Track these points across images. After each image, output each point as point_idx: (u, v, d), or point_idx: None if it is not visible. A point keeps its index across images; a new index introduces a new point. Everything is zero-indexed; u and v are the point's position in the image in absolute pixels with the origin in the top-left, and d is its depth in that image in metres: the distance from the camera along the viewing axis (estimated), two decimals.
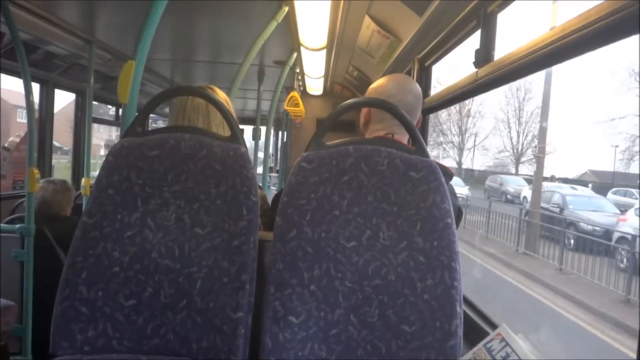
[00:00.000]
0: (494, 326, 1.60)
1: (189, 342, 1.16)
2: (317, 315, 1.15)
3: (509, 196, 19.62)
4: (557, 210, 12.83)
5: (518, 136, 25.47)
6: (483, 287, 8.69)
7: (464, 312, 1.21)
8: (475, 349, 1.05)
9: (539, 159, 14.07)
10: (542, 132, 14.53)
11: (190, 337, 1.15)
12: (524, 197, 17.63)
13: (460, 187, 18.08)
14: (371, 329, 1.14)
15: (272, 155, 9.14)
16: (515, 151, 25.54)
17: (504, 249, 11.79)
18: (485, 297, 7.26)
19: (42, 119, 4.27)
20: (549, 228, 11.59)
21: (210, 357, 1.14)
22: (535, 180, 13.98)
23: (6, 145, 4.46)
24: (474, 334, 1.48)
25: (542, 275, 9.46)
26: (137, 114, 1.31)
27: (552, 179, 19.28)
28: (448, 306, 1.12)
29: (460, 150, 26.75)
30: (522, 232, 12.12)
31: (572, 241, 10.43)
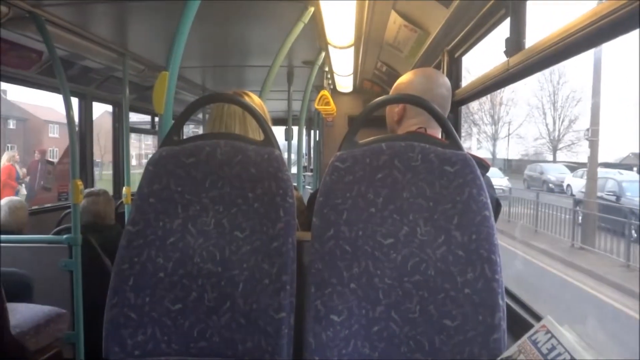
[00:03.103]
0: (537, 318, 1.58)
1: (234, 343, 1.18)
2: (359, 313, 1.15)
3: (550, 185, 18.46)
4: (613, 198, 11.44)
5: (554, 122, 24.68)
6: (541, 290, 7.63)
7: (507, 304, 1.20)
8: (519, 341, 1.03)
9: (593, 143, 12.46)
10: (595, 113, 12.71)
11: (235, 339, 1.18)
12: (568, 185, 16.60)
13: (499, 179, 17.10)
14: (413, 324, 1.14)
15: (306, 155, 9.18)
16: (552, 138, 24.77)
17: (558, 244, 10.50)
18: (547, 303, 6.36)
19: (82, 131, 4.41)
20: (606, 219, 10.14)
21: (255, 357, 1.16)
22: (590, 167, 12.50)
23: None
24: (518, 326, 1.46)
25: (607, 274, 8.06)
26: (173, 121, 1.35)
27: None
28: (490, 299, 1.11)
29: (494, 140, 26.13)
30: (576, 224, 10.76)
31: (633, 232, 8.99)
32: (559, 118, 24.42)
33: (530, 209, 12.68)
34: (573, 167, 18.83)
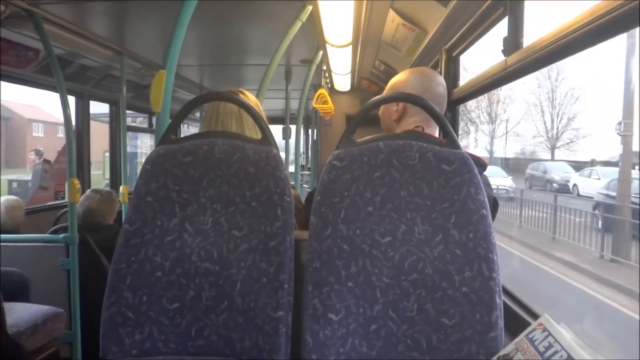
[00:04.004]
0: (535, 316, 1.58)
1: (232, 342, 1.18)
2: (356, 312, 1.16)
3: (554, 185, 17.50)
4: None
5: (552, 120, 24.46)
6: (579, 317, 5.79)
7: (504, 303, 1.20)
8: (517, 339, 1.04)
9: (626, 139, 10.33)
10: (628, 104, 10.59)
11: (233, 337, 1.18)
12: (574, 185, 15.77)
13: (502, 178, 16.49)
14: (411, 323, 1.14)
15: (303, 154, 9.18)
16: (550, 136, 24.54)
17: (583, 255, 8.68)
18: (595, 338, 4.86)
19: (79, 130, 4.39)
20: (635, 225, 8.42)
21: (253, 356, 1.16)
22: (623, 166, 10.46)
23: None
24: (515, 324, 1.47)
25: None
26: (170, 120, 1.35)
27: (592, 163, 18.02)
28: (487, 298, 1.11)
29: (492, 138, 25.98)
30: (595, 230, 9.06)
31: None
32: (557, 116, 24.26)
33: (544, 212, 11.26)
34: (575, 166, 18.47)
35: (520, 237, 10.76)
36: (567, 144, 23.92)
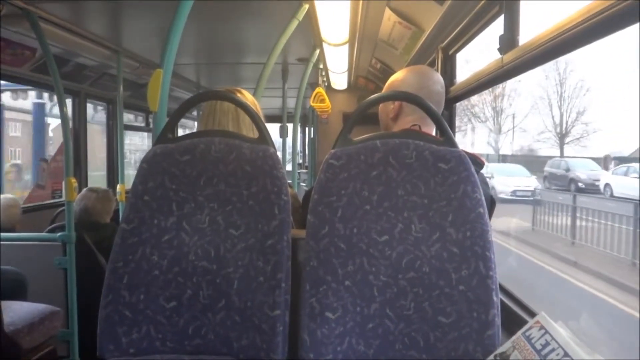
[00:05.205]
0: (532, 314, 1.59)
1: (229, 341, 1.18)
2: (354, 310, 1.16)
3: (580, 184, 15.12)
4: None
5: (561, 114, 23.54)
6: None
7: (501, 301, 1.20)
8: (514, 337, 1.04)
9: None
10: None
11: (231, 336, 1.18)
12: (606, 185, 13.23)
13: (525, 178, 14.71)
14: (408, 321, 1.14)
15: (300, 152, 9.18)
16: (559, 130, 23.63)
17: None
18: None
19: (76, 129, 4.38)
20: None
21: (250, 355, 1.16)
22: None
23: None
24: (512, 322, 1.47)
25: None
26: (167, 119, 1.35)
27: (606, 158, 17.24)
28: (484, 296, 1.12)
29: (497, 134, 25.36)
30: None
31: None
32: (567, 110, 23.40)
33: (594, 221, 8.75)
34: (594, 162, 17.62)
35: (583, 262, 7.91)
36: (577, 139, 23.19)
